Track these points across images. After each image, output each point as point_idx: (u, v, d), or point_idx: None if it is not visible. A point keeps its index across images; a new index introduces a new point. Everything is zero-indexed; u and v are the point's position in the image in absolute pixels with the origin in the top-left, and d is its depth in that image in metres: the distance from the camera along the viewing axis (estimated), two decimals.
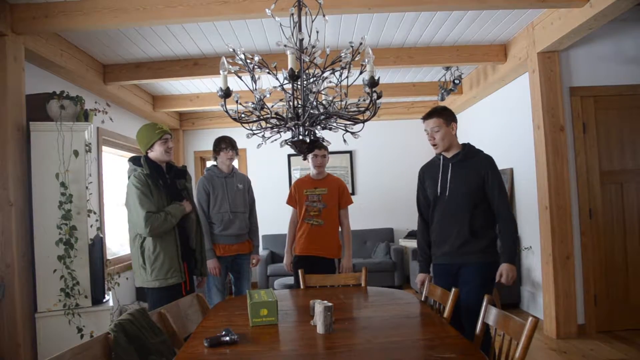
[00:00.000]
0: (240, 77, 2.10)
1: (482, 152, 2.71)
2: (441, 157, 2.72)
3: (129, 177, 2.79)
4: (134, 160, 2.83)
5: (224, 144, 3.69)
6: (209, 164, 7.18)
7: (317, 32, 2.07)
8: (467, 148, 2.69)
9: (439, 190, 2.68)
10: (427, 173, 2.81)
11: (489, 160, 2.65)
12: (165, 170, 2.87)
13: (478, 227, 2.59)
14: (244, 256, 3.77)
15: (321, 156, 3.61)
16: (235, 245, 3.68)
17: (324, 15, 2.07)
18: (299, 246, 3.64)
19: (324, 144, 2.32)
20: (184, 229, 2.84)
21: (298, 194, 3.68)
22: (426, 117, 2.70)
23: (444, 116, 2.65)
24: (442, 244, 2.68)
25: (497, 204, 2.59)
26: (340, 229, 3.74)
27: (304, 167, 6.93)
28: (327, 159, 3.66)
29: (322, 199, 3.61)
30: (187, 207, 2.84)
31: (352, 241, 3.75)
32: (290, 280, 5.31)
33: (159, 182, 2.75)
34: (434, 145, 2.69)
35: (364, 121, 2.07)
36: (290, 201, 3.76)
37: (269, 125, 2.11)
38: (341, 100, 2.14)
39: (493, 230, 2.63)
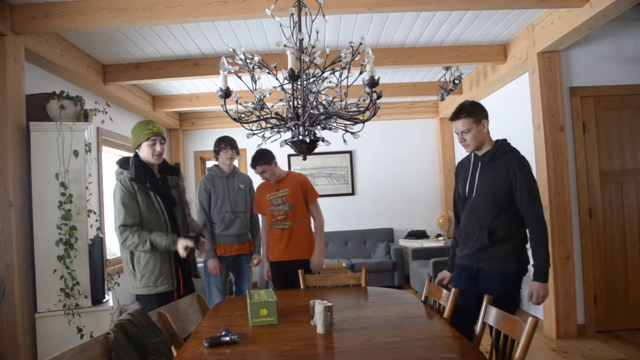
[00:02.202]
0: (240, 77, 2.10)
1: (514, 150, 2.44)
2: (473, 155, 2.53)
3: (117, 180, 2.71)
4: (121, 163, 2.74)
5: (224, 144, 3.69)
6: (210, 164, 7.19)
7: (317, 32, 2.07)
8: (499, 146, 2.44)
9: (467, 191, 2.51)
10: (461, 171, 2.62)
11: (518, 160, 2.37)
12: (158, 169, 2.77)
13: (501, 234, 2.37)
14: (244, 256, 3.77)
15: (261, 172, 3.43)
16: (236, 245, 3.68)
17: (324, 15, 2.07)
18: (273, 253, 3.48)
19: (323, 143, 2.26)
20: (176, 228, 2.73)
21: (261, 200, 3.52)
22: (454, 118, 2.45)
23: (474, 115, 2.41)
24: (463, 247, 2.53)
25: (525, 210, 2.33)
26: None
27: (304, 167, 6.93)
28: (270, 169, 3.41)
29: (286, 200, 3.42)
30: (181, 245, 2.56)
31: (323, 236, 3.53)
32: None
33: (146, 184, 2.64)
34: (465, 146, 2.48)
35: (364, 121, 2.07)
36: (257, 208, 3.63)
37: (269, 125, 2.11)
38: (341, 100, 2.14)
39: (518, 237, 2.39)
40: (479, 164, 2.47)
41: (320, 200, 3.58)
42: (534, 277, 2.35)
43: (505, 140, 2.50)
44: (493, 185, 2.39)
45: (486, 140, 2.48)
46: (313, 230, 3.57)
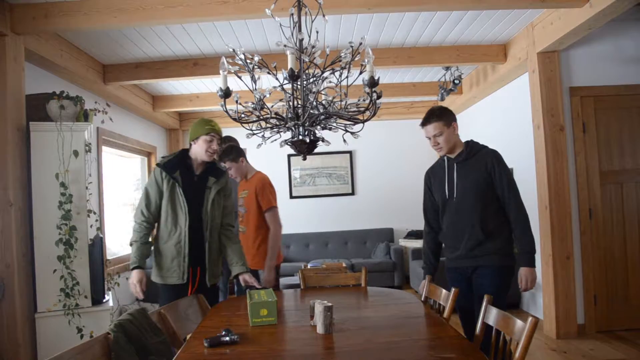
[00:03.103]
0: (240, 77, 2.10)
1: (486, 147, 2.56)
2: (445, 159, 2.60)
3: None
4: (165, 155, 2.79)
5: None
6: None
7: (317, 32, 2.07)
8: (470, 145, 2.55)
9: (447, 193, 2.55)
10: (434, 177, 2.68)
11: (494, 155, 2.49)
12: (203, 169, 2.76)
13: (491, 227, 2.45)
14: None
15: (227, 169, 3.27)
16: None
17: (323, 15, 2.07)
18: None
19: (323, 143, 2.23)
20: (198, 230, 2.70)
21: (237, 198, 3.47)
22: (424, 123, 2.54)
23: (444, 118, 2.50)
24: (454, 249, 2.55)
25: (507, 200, 2.43)
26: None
27: (304, 167, 6.93)
28: (236, 166, 3.31)
29: (244, 202, 3.31)
30: (131, 279, 2.57)
31: (276, 251, 3.20)
32: (291, 280, 5.31)
33: (176, 174, 2.66)
34: (438, 149, 2.56)
35: (364, 121, 2.07)
36: None
37: (268, 125, 2.11)
38: (341, 100, 2.14)
39: (507, 229, 2.47)
40: (455, 165, 2.54)
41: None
42: (521, 263, 2.41)
43: (473, 140, 2.60)
44: (474, 182, 2.46)
45: (457, 142, 2.56)
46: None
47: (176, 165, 2.70)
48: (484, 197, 2.45)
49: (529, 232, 2.43)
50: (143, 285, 2.57)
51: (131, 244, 2.66)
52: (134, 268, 2.59)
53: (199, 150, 2.71)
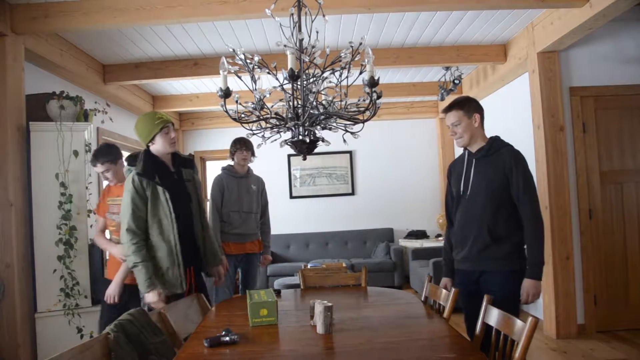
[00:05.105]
0: (240, 77, 2.11)
1: (509, 145, 2.41)
2: (466, 153, 2.49)
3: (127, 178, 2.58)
4: (129, 160, 2.57)
5: (239, 145, 3.73)
6: (209, 163, 7.20)
7: (317, 32, 2.07)
8: (493, 141, 2.42)
9: (461, 189, 2.46)
10: (454, 170, 2.58)
11: (513, 155, 2.34)
12: (171, 162, 2.63)
13: (500, 231, 2.32)
14: (253, 255, 3.80)
15: (103, 172, 2.97)
16: (245, 245, 3.72)
17: (324, 15, 2.07)
18: None
19: (323, 143, 2.19)
20: (189, 228, 2.59)
21: None
22: (446, 110, 2.46)
23: (465, 108, 2.40)
24: (461, 248, 2.45)
25: (522, 204, 2.29)
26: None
27: (304, 167, 6.93)
28: (113, 170, 2.91)
29: (120, 209, 2.96)
30: (149, 299, 2.39)
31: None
32: (291, 280, 5.31)
33: (155, 178, 2.48)
34: (456, 139, 2.46)
35: (364, 121, 2.07)
36: None
37: (268, 125, 2.11)
38: (341, 100, 2.14)
39: (519, 234, 2.33)
40: (473, 161, 2.45)
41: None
42: (525, 274, 2.28)
43: (498, 136, 2.48)
44: (489, 181, 2.36)
45: (479, 136, 2.45)
46: None
47: (154, 168, 2.49)
48: (497, 198, 2.33)
49: (539, 242, 2.27)
50: (163, 298, 2.41)
51: (135, 267, 2.41)
52: (148, 289, 2.38)
53: (160, 147, 2.54)
